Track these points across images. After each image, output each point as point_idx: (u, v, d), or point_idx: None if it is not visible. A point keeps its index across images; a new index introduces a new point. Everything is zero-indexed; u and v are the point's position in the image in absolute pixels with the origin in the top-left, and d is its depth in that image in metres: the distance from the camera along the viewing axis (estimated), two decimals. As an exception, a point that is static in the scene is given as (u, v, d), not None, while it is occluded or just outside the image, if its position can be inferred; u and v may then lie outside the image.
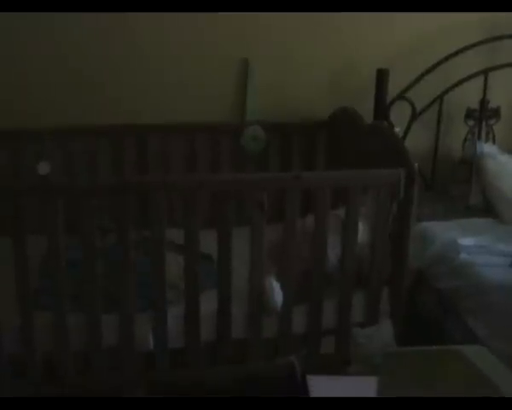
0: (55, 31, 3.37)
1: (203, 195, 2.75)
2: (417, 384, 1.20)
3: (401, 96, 3.66)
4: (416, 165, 2.85)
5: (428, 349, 1.18)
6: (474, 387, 1.01)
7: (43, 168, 3.32)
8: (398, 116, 3.64)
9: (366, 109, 3.51)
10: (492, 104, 3.85)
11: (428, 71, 3.63)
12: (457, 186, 3.75)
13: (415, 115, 3.71)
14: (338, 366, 2.92)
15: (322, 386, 2.21)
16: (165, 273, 2.73)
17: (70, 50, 3.45)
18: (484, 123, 3.88)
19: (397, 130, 3.49)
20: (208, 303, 2.81)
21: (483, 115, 3.85)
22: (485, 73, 3.71)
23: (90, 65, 3.49)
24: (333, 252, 2.91)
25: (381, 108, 3.59)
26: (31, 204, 2.63)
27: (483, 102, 3.82)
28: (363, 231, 2.90)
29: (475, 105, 3.83)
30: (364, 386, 1.70)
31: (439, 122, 3.82)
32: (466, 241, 3.24)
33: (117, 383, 2.89)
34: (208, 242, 2.75)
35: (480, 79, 3.73)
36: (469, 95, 3.80)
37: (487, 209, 3.62)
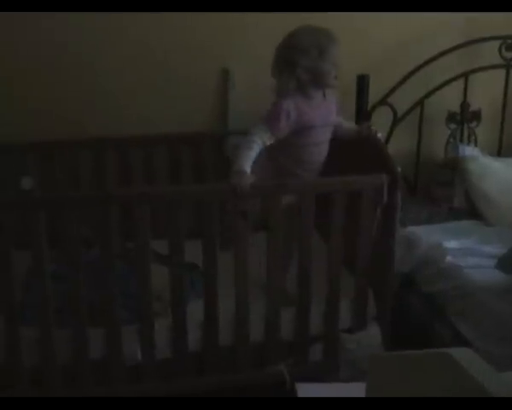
0: (32, 38, 3.37)
1: (187, 205, 2.74)
2: (405, 389, 1.20)
3: (382, 102, 3.66)
4: (399, 169, 2.86)
5: (416, 353, 1.18)
6: (463, 390, 1.01)
7: (27, 183, 3.30)
8: (380, 121, 3.64)
9: (348, 115, 3.50)
10: (473, 107, 3.88)
11: (409, 75, 3.64)
12: (440, 189, 3.76)
13: (396, 120, 3.72)
14: (327, 372, 2.92)
15: (311, 394, 2.20)
16: (150, 285, 2.71)
17: (51, 64, 3.44)
18: (465, 126, 3.90)
19: (379, 135, 3.49)
20: (195, 313, 2.81)
21: (464, 118, 3.87)
22: (466, 76, 3.73)
23: (72, 78, 3.48)
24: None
25: (363, 114, 3.59)
26: (14, 218, 2.61)
27: (464, 105, 3.84)
28: None
29: (456, 108, 3.85)
30: (354, 393, 1.69)
31: (420, 126, 3.83)
32: (451, 244, 3.25)
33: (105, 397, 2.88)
34: (194, 252, 2.74)
35: (461, 82, 3.75)
36: (450, 98, 3.82)
37: (471, 211, 3.64)
